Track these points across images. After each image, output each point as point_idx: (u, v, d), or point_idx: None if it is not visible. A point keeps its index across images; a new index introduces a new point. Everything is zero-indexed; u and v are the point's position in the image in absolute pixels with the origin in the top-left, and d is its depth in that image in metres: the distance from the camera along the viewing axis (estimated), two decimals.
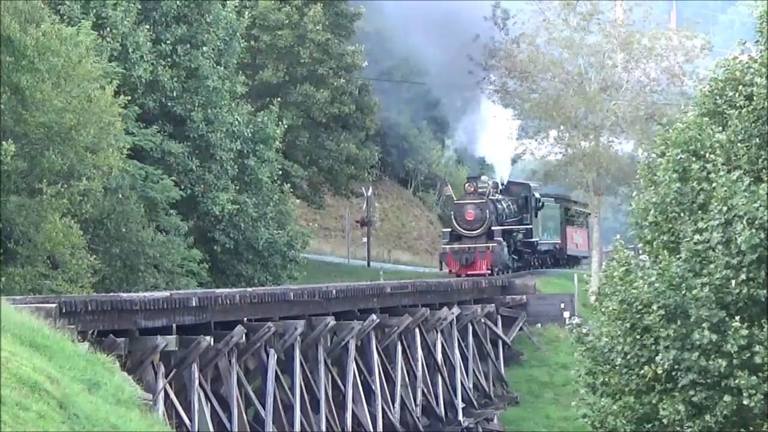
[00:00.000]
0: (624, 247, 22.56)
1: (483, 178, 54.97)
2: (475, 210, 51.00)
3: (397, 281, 43.68)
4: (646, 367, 20.78)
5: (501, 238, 51.32)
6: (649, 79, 53.85)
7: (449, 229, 52.20)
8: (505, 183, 56.67)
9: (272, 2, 51.22)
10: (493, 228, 51.16)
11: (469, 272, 49.95)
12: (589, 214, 63.36)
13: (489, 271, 50.51)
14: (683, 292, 20.46)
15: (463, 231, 51.10)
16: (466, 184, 52.83)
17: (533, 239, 56.98)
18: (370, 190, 62.98)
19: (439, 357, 42.64)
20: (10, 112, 28.64)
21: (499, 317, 50.10)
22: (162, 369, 25.61)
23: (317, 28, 51.91)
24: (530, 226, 56.13)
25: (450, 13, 54.42)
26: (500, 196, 54.28)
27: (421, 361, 40.70)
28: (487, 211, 51.16)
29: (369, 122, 55.96)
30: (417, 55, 54.78)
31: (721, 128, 21.86)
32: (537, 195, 57.36)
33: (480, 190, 51.95)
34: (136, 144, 35.80)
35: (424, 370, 40.92)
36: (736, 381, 19.89)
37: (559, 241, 62.46)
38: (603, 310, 22.03)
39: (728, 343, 19.86)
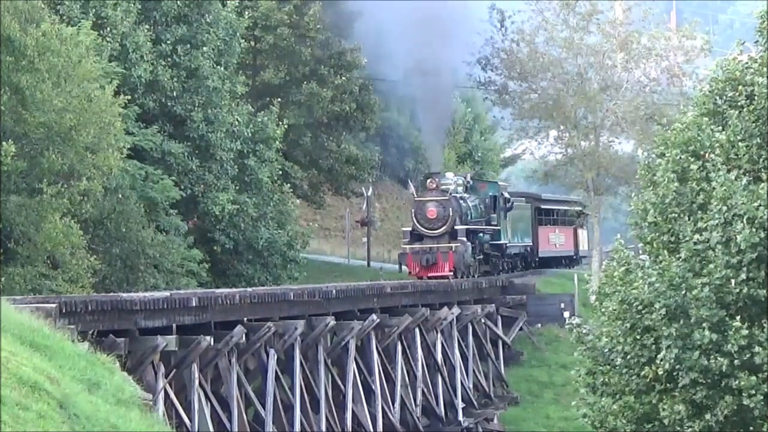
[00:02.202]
0: (624, 247, 22.56)
1: (448, 174, 51.65)
2: (438, 207, 47.00)
3: (397, 281, 43.66)
4: (646, 368, 20.79)
5: (465, 238, 47.48)
6: (648, 79, 53.93)
7: (409, 228, 48.03)
8: (471, 181, 52.60)
9: (273, 2, 51.19)
10: (456, 227, 47.21)
11: (430, 274, 46.23)
12: (577, 212, 63.26)
13: (452, 273, 46.54)
14: (683, 292, 20.47)
15: (424, 230, 47.20)
16: (428, 181, 48.50)
17: (501, 241, 52.94)
18: (370, 190, 62.92)
19: (439, 357, 42.65)
20: (10, 112, 28.65)
21: (499, 317, 50.10)
22: (162, 369, 25.60)
23: (318, 26, 51.91)
24: (498, 227, 52.20)
25: (443, 14, 52.28)
26: (466, 194, 50.17)
27: (421, 361, 40.70)
28: (450, 209, 47.18)
29: (369, 122, 55.94)
30: (412, 56, 52.80)
31: (720, 128, 21.87)
32: (506, 194, 54.05)
33: (443, 187, 48.18)
34: (136, 144, 35.82)
35: (424, 370, 40.92)
36: (737, 381, 19.90)
37: (530, 243, 59.25)
38: (603, 310, 22.04)
39: (729, 342, 19.86)
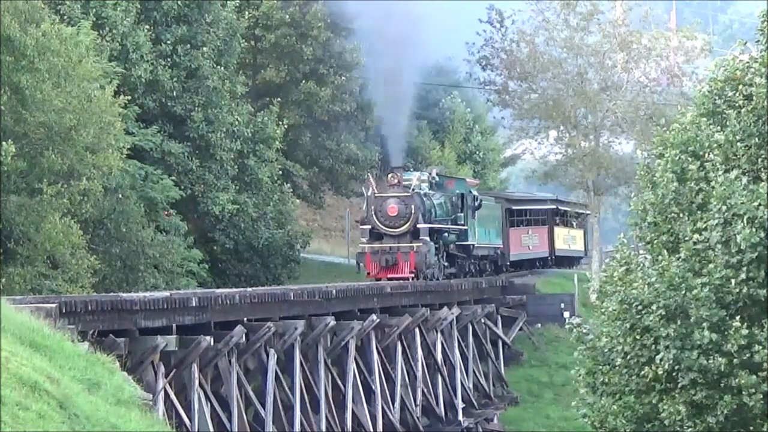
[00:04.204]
0: (626, 245, 22.56)
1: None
2: (399, 204, 43.61)
3: (397, 281, 43.62)
4: (646, 368, 20.80)
5: (428, 238, 43.98)
6: (648, 79, 53.96)
7: (368, 226, 44.40)
8: (436, 177, 48.58)
9: (275, 1, 51.17)
10: (419, 226, 43.58)
11: (390, 276, 42.90)
12: (557, 210, 63.05)
13: (413, 274, 43.13)
14: (683, 292, 20.47)
15: (384, 228, 43.80)
16: (390, 175, 45.18)
17: (468, 242, 48.94)
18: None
19: (439, 357, 42.64)
20: (10, 112, 28.66)
21: (499, 317, 50.10)
22: (162, 369, 25.59)
23: (319, 25, 51.90)
24: (464, 227, 48.21)
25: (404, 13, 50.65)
26: (431, 191, 46.67)
27: (421, 361, 40.69)
28: (413, 206, 43.65)
29: (369, 121, 55.96)
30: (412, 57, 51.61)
31: (719, 128, 21.88)
32: (474, 192, 50.00)
33: (405, 183, 44.68)
34: (136, 144, 35.85)
35: (424, 370, 40.91)
36: (737, 380, 19.90)
37: (501, 245, 55.45)
38: (603, 310, 22.05)
39: (728, 342, 19.87)
